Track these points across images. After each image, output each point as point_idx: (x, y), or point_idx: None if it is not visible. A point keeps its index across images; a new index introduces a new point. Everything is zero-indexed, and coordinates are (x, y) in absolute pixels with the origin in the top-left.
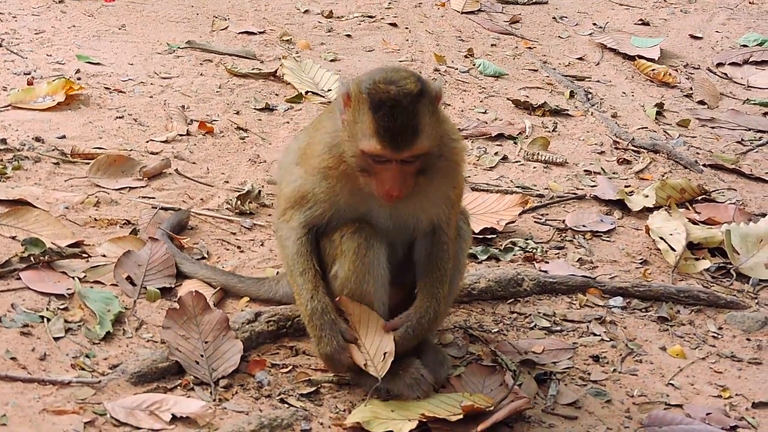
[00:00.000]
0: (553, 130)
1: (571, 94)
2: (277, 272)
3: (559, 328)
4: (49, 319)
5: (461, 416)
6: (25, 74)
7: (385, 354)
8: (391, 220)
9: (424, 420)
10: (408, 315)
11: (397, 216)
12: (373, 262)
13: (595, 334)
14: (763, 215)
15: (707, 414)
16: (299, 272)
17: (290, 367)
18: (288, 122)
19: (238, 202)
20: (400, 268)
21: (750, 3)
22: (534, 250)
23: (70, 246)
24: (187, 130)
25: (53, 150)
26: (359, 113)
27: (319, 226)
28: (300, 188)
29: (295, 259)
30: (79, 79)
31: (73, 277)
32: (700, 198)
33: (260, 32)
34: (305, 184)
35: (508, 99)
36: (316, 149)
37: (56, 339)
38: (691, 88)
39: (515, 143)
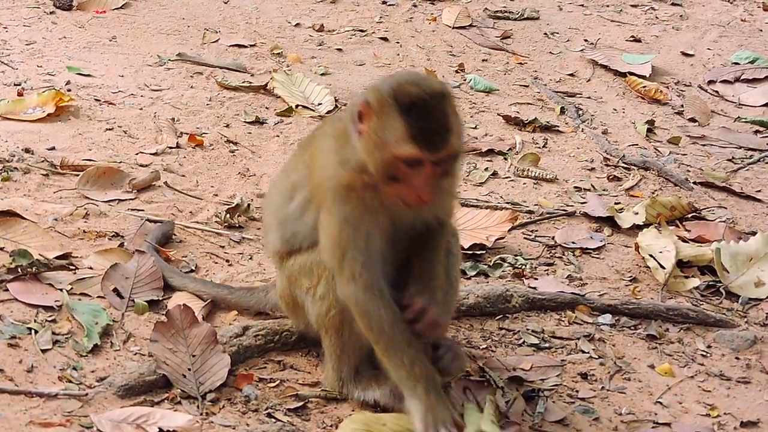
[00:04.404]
0: (543, 146)
1: (562, 110)
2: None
3: (547, 345)
4: (36, 331)
5: None
6: (15, 85)
7: None
8: (399, 224)
9: None
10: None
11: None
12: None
13: (583, 352)
14: (753, 233)
15: None
16: (390, 333)
17: (278, 382)
18: (278, 136)
19: (227, 216)
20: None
21: (742, 21)
22: (523, 267)
23: (57, 258)
24: (177, 143)
25: (43, 161)
26: (386, 119)
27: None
28: (339, 230)
29: (382, 318)
30: (69, 90)
31: (60, 289)
32: (690, 216)
33: (251, 45)
34: (335, 222)
35: (498, 114)
36: (327, 173)
37: (44, 351)
38: (682, 106)
39: (505, 159)
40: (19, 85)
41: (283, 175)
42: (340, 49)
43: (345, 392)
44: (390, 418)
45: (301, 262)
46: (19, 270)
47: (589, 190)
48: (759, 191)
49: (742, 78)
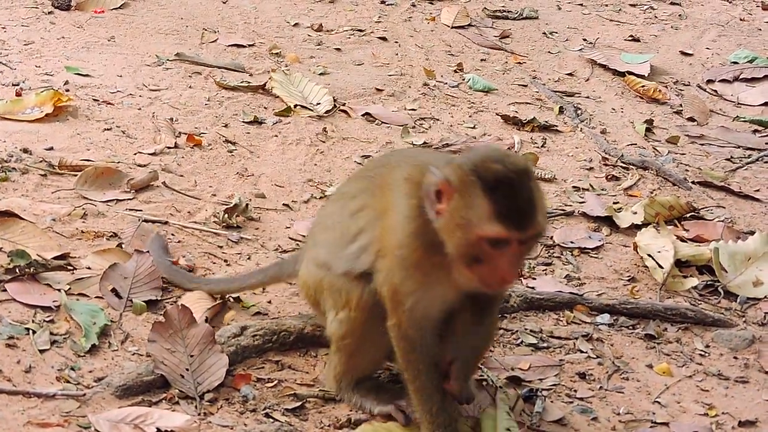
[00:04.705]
0: (541, 146)
1: (561, 110)
2: None
3: (545, 344)
4: (34, 332)
5: None
6: (13, 85)
7: None
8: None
9: None
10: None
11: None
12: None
13: (581, 351)
14: (752, 233)
15: None
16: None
17: (275, 382)
18: (276, 135)
19: (226, 216)
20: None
21: (741, 20)
22: (521, 266)
23: (55, 258)
24: (175, 143)
25: (41, 161)
26: (470, 198)
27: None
28: (395, 292)
29: (419, 369)
30: (67, 90)
31: (58, 290)
32: (688, 215)
33: (249, 45)
34: (392, 282)
35: (497, 114)
36: (398, 240)
37: (42, 351)
38: (680, 105)
39: None
40: (18, 85)
41: (346, 210)
42: (338, 49)
43: (341, 396)
44: (399, 428)
45: (333, 281)
46: (17, 270)
47: (587, 189)
48: (757, 191)
49: (740, 77)
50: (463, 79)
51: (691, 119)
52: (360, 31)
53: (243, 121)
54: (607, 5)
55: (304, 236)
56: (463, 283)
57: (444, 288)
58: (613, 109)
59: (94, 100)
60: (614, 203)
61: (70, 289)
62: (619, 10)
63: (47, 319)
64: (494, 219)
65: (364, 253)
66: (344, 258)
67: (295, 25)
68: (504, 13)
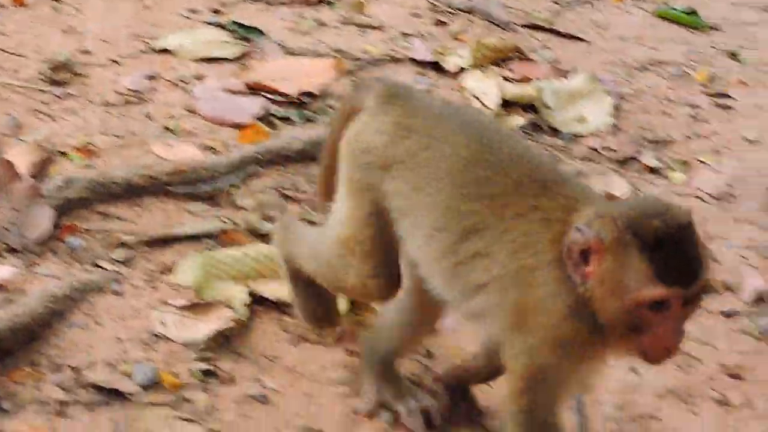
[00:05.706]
0: None
1: None
2: None
3: None
4: None
5: None
6: None
7: None
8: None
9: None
10: None
11: None
12: None
13: None
14: (576, 72)
15: None
16: None
17: (103, 232)
18: None
19: (51, 72)
20: None
21: None
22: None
23: None
24: None
25: None
26: (624, 260)
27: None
28: (531, 375)
29: None
30: None
31: None
32: (514, 57)
33: None
34: (535, 363)
35: None
36: (546, 313)
37: None
38: None
39: (331, 8)
40: None
41: (459, 224)
42: None
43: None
44: (226, 255)
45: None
46: None
47: (414, 35)
48: (583, 31)
49: None
50: None
51: None
52: None
53: None
54: None
55: (131, 90)
56: (618, 355)
57: (596, 362)
58: None
59: None
60: (441, 48)
61: None
62: None
63: None
64: (653, 279)
65: (478, 295)
66: (436, 259)
67: None
68: None
